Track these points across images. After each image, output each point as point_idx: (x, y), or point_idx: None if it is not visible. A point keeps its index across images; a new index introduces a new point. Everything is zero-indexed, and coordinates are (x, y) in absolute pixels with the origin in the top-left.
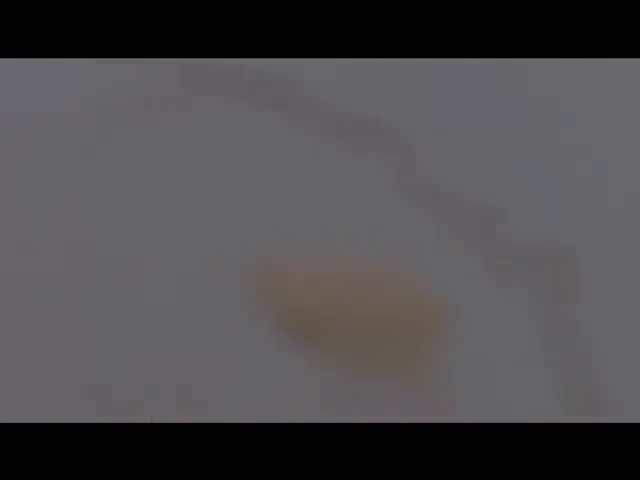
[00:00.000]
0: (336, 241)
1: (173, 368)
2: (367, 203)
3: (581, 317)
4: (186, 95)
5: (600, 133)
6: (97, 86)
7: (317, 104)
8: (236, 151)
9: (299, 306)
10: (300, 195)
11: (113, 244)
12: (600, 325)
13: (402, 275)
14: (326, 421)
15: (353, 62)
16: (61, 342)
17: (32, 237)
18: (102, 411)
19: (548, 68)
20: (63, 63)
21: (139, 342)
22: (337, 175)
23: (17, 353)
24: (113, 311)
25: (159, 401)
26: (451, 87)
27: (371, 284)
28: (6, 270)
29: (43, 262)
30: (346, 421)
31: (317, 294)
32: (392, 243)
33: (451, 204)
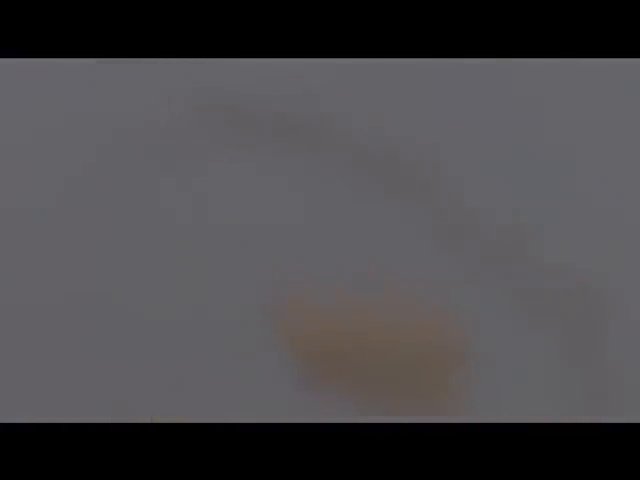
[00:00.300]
0: (362, 274)
1: (174, 368)
2: (389, 240)
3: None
4: (212, 141)
5: (604, 134)
6: (97, 86)
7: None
8: (263, 193)
9: (319, 336)
10: (328, 232)
11: (117, 262)
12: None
13: (426, 310)
14: (334, 421)
15: (353, 62)
16: (61, 342)
17: (31, 237)
18: (102, 411)
19: (548, 68)
20: (63, 63)
21: (139, 342)
22: (371, 215)
23: (17, 353)
24: (115, 313)
25: (159, 401)
26: (451, 87)
27: (397, 319)
28: (6, 271)
29: (44, 264)
30: (355, 422)
31: (339, 324)
32: (418, 278)
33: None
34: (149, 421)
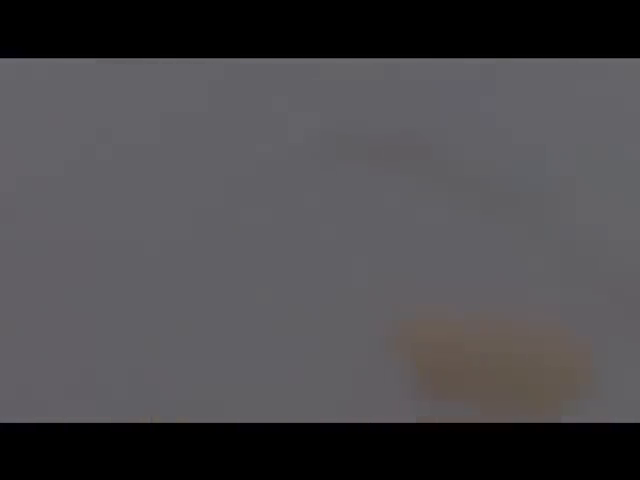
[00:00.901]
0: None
1: (174, 368)
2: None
3: None
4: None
5: (604, 134)
6: (97, 86)
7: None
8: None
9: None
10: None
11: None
12: None
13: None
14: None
15: (352, 63)
16: (61, 342)
17: (30, 236)
18: (102, 411)
19: (548, 68)
20: (63, 63)
21: (139, 341)
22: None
23: (17, 353)
24: (115, 312)
25: (159, 401)
26: (452, 87)
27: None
28: (7, 270)
29: (45, 263)
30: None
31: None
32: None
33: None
34: (149, 421)
